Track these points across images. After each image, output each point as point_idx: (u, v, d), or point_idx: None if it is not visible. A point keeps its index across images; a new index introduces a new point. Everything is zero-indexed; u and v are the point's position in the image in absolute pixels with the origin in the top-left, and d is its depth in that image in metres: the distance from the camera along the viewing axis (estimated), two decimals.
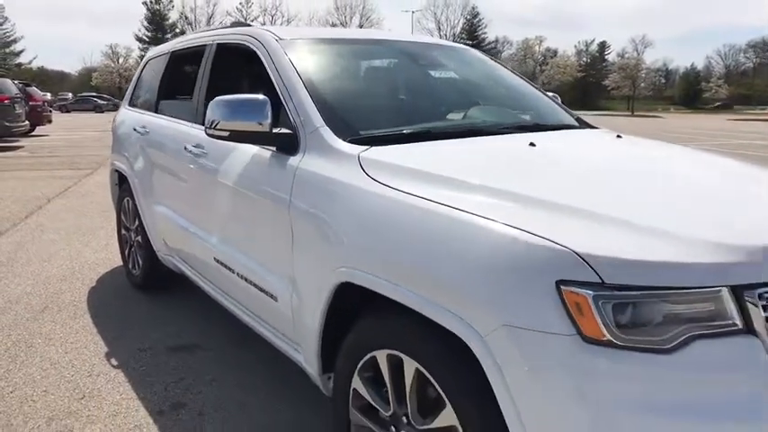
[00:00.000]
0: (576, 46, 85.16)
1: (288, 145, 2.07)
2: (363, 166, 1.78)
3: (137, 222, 3.67)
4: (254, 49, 2.46)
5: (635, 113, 55.38)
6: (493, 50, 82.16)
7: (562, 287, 1.21)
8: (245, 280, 2.32)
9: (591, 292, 1.18)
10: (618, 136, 2.31)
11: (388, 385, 1.64)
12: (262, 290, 2.20)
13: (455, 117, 2.34)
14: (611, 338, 1.17)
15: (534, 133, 2.18)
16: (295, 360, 2.14)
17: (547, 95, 3.01)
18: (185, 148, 2.74)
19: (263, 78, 2.37)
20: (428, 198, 1.53)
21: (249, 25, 2.81)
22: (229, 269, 2.46)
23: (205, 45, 2.95)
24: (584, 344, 1.19)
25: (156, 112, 3.45)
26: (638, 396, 1.17)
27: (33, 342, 3.07)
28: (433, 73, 2.67)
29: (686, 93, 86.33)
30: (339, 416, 1.84)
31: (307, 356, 2.01)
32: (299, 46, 2.41)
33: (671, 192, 1.62)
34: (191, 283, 3.14)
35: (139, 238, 3.66)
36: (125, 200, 3.83)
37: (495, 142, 2.05)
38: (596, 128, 2.63)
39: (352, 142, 1.93)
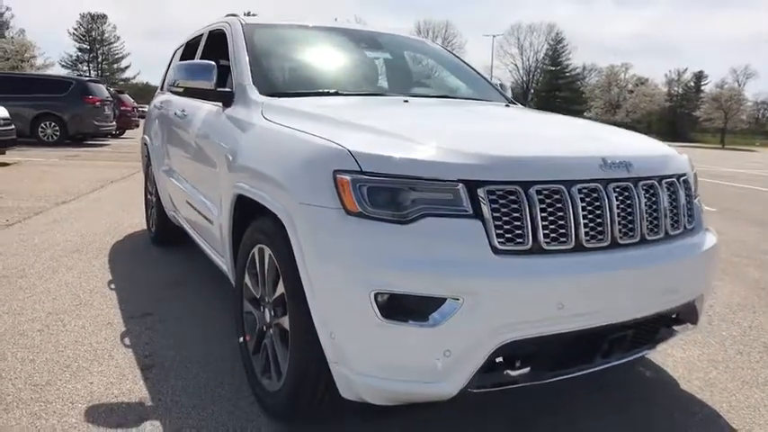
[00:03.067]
0: (666, 75, 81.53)
1: (228, 100, 2.63)
2: (263, 110, 2.30)
3: (155, 186, 4.36)
4: (226, 31, 3.06)
5: (726, 146, 52.30)
6: (578, 77, 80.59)
7: (336, 175, 1.65)
8: (199, 212, 2.89)
9: (350, 176, 1.62)
10: (506, 105, 2.70)
11: (258, 273, 2.11)
12: (205, 217, 2.76)
13: (371, 86, 2.82)
14: (362, 211, 1.60)
15: (432, 98, 2.62)
16: (223, 271, 2.66)
17: (491, 83, 3.40)
18: (175, 114, 3.38)
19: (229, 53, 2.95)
20: (287, 126, 2.02)
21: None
22: (193, 207, 3.04)
23: (203, 33, 3.61)
24: (345, 215, 1.62)
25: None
26: (379, 250, 1.58)
27: (58, 269, 3.80)
28: (368, 54, 3.15)
29: None
30: (238, 307, 2.34)
31: (227, 264, 2.53)
32: (257, 29, 2.97)
33: (465, 126, 2.03)
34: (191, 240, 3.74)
35: (155, 199, 4.35)
36: (149, 167, 4.55)
37: (375, 99, 2.52)
38: (515, 103, 3.02)
39: (269, 96, 2.45)
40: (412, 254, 1.57)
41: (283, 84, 2.62)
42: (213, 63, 2.61)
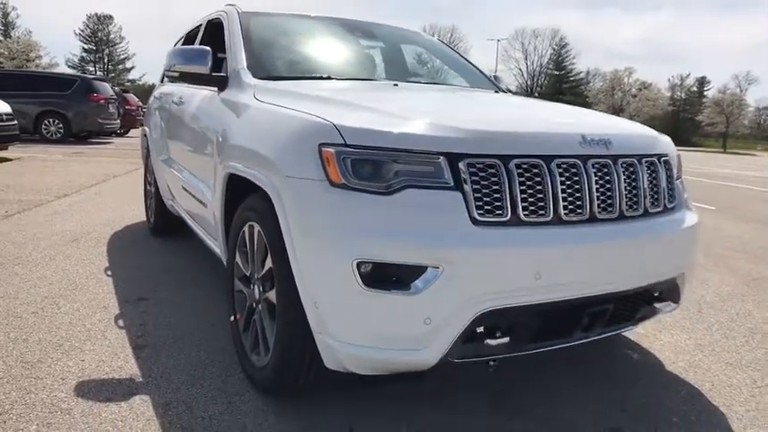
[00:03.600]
0: (669, 80, 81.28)
1: (223, 85, 2.67)
2: (255, 92, 2.34)
3: (154, 176, 4.41)
4: (223, 19, 3.11)
5: (728, 151, 52.20)
6: (582, 81, 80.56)
7: (321, 148, 1.69)
8: (194, 197, 2.93)
9: (334, 149, 1.66)
10: (495, 92, 2.75)
11: (248, 250, 2.15)
12: (200, 201, 2.80)
13: (363, 72, 2.87)
14: (346, 182, 1.64)
15: (422, 84, 2.67)
16: (217, 254, 2.70)
17: (483, 73, 3.45)
18: (173, 101, 3.43)
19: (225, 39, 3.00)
20: (276, 104, 2.07)
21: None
22: (189, 192, 3.08)
23: (202, 24, 3.66)
24: (329, 186, 1.66)
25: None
26: (362, 221, 1.61)
27: (56, 257, 3.85)
28: (362, 42, 3.20)
29: None
30: (229, 286, 2.38)
31: (220, 247, 2.57)
32: (253, 17, 3.02)
33: (449, 105, 2.07)
34: (190, 229, 3.78)
35: (154, 189, 4.39)
36: (148, 158, 4.60)
37: (365, 83, 2.57)
38: (506, 92, 3.07)
39: (262, 79, 2.50)
40: (394, 224, 1.60)
41: (277, 69, 2.67)
42: (208, 48, 2.66)
